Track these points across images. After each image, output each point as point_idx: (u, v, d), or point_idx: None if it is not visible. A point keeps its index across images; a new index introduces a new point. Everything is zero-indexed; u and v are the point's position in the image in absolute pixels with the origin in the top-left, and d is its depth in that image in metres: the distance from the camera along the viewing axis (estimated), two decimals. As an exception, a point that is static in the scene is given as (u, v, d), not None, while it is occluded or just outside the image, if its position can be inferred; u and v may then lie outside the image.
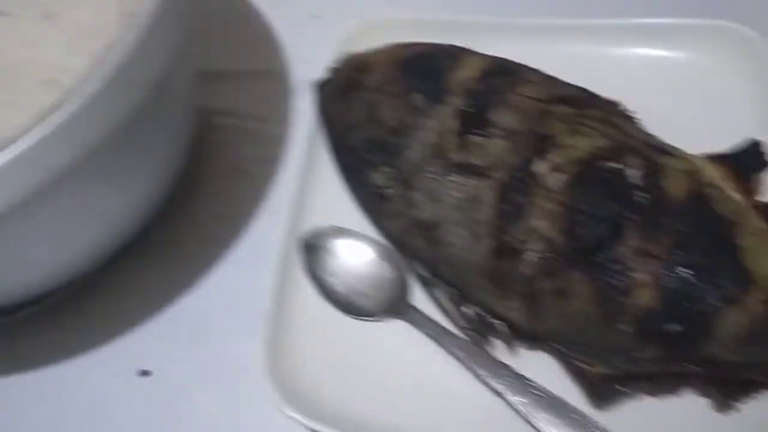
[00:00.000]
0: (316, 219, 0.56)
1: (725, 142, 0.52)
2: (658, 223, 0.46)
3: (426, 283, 0.53)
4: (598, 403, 0.47)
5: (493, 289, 0.49)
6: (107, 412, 0.53)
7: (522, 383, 0.48)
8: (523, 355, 0.50)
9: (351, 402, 0.49)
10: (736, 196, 0.49)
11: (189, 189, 0.62)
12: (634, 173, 0.47)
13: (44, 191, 0.42)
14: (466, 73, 0.52)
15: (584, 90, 0.54)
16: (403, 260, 0.54)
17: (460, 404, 0.49)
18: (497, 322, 0.50)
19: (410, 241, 0.52)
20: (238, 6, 0.73)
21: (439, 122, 0.51)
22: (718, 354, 0.45)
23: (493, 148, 0.49)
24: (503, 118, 0.50)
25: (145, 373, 0.54)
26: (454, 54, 0.55)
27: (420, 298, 0.53)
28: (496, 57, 0.55)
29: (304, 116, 0.61)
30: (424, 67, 0.54)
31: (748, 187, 0.49)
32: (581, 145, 0.49)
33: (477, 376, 0.49)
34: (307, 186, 0.57)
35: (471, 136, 0.50)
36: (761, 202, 0.49)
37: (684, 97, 0.59)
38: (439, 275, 0.52)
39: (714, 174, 0.49)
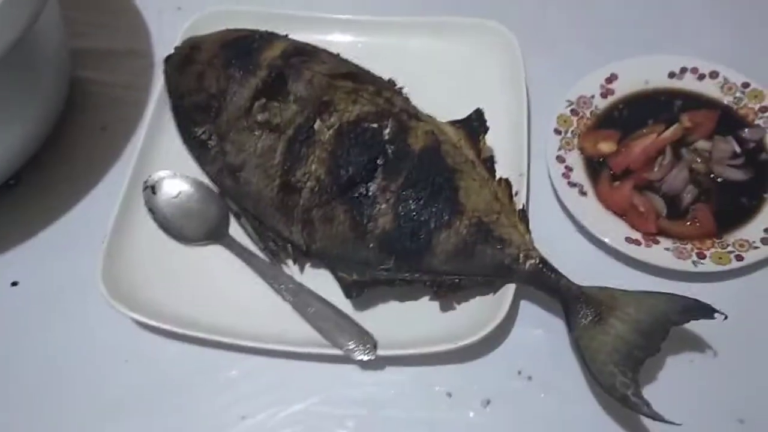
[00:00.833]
0: (159, 166, 0.68)
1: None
2: (398, 168, 0.59)
3: (236, 215, 0.66)
4: (353, 299, 0.60)
5: (282, 218, 0.62)
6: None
7: (300, 288, 0.61)
8: (305, 268, 0.64)
9: (175, 304, 0.61)
10: (468, 151, 0.63)
11: (62, 141, 0.73)
12: (387, 132, 0.61)
13: None
14: (272, 53, 0.65)
15: (365, 70, 0.68)
16: (220, 197, 0.66)
17: (259, 305, 0.62)
18: (287, 244, 0.63)
19: (223, 181, 0.65)
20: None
21: (248, 90, 0.63)
22: (436, 265, 0.59)
23: (287, 111, 0.62)
24: (297, 88, 0.63)
25: (14, 283, 0.66)
26: (266, 38, 0.67)
27: (233, 227, 0.66)
28: (297, 41, 0.68)
29: (158, 85, 0.73)
30: (240, 47, 0.66)
31: (476, 146, 0.63)
32: (353, 110, 0.62)
33: (271, 285, 0.62)
34: (153, 140, 0.69)
35: (271, 101, 0.63)
36: (486, 157, 0.63)
37: (447, 78, 0.72)
38: (245, 208, 0.64)
39: (453, 135, 0.63)
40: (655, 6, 0.80)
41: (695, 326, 0.57)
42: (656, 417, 0.50)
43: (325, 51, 0.68)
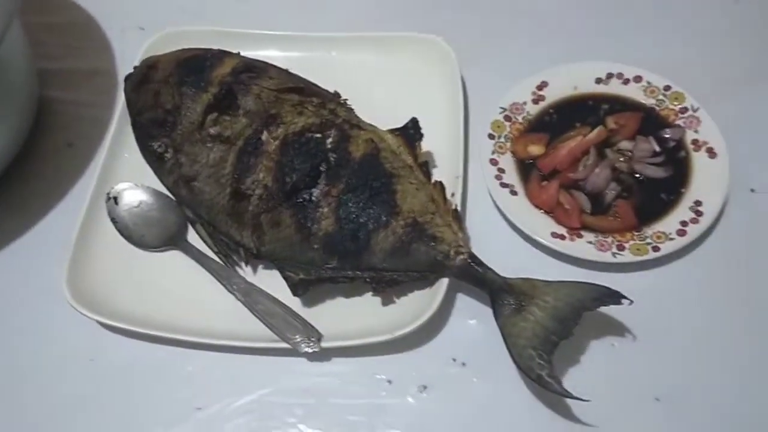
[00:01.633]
0: (121, 178, 0.72)
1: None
2: (339, 174, 0.63)
3: (191, 222, 0.70)
4: (300, 296, 0.64)
5: (233, 224, 0.66)
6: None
7: (251, 288, 0.66)
8: (257, 269, 0.68)
9: (136, 306, 0.66)
10: (406, 157, 0.67)
11: (31, 157, 0.77)
12: (329, 141, 0.65)
13: None
14: (223, 70, 0.69)
15: (312, 83, 0.72)
16: (178, 206, 0.70)
17: (214, 305, 0.66)
18: (238, 247, 0.67)
19: (179, 191, 0.69)
20: (80, 19, 0.89)
21: (201, 105, 0.68)
22: (376, 263, 0.63)
23: (237, 124, 0.66)
24: (246, 102, 0.67)
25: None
26: (217, 56, 0.71)
27: (190, 233, 0.70)
28: (247, 58, 0.72)
29: (120, 103, 0.77)
30: (194, 66, 0.70)
31: (414, 151, 0.67)
32: (299, 121, 0.66)
33: (225, 285, 0.66)
34: (115, 154, 0.73)
35: (223, 115, 0.67)
36: (422, 162, 0.67)
37: (389, 89, 0.77)
38: (199, 215, 0.68)
39: (392, 142, 0.67)
40: (582, 17, 0.85)
41: (617, 314, 0.62)
42: (566, 394, 0.55)
43: (274, 66, 0.73)
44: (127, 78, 0.75)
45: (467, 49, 0.78)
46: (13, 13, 0.65)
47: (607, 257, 0.65)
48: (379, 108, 0.71)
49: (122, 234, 0.70)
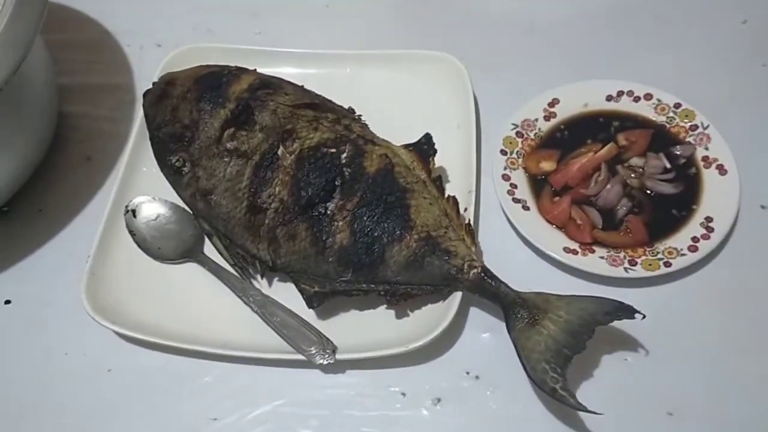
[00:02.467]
0: (139, 191, 0.73)
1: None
2: (354, 188, 0.64)
3: (208, 235, 0.70)
4: (315, 309, 0.64)
5: (249, 237, 0.66)
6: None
7: (267, 300, 0.66)
8: (272, 282, 0.69)
9: (153, 317, 0.66)
10: (420, 172, 0.67)
11: (50, 170, 0.78)
12: (344, 156, 0.66)
13: None
14: (240, 87, 0.70)
15: (326, 99, 0.73)
16: (194, 219, 0.71)
17: (230, 316, 0.66)
18: (254, 260, 0.67)
19: (196, 204, 0.69)
20: (100, 36, 0.90)
21: (218, 121, 0.68)
22: (390, 276, 0.63)
23: (253, 139, 0.67)
24: (262, 118, 0.68)
25: (7, 302, 0.71)
26: (234, 73, 0.72)
27: (207, 246, 0.71)
28: (263, 75, 0.73)
29: (138, 118, 0.78)
30: (211, 82, 0.71)
31: (427, 167, 0.68)
32: (314, 136, 0.67)
33: (241, 297, 0.67)
34: (133, 168, 0.74)
35: (239, 130, 0.68)
36: (435, 177, 0.68)
37: (403, 106, 0.77)
38: (216, 228, 0.69)
39: (406, 157, 0.68)
40: (593, 35, 0.86)
41: (629, 328, 0.62)
42: (580, 408, 0.55)
43: (289, 83, 0.73)
44: (146, 93, 0.75)
45: (479, 66, 0.79)
46: (36, 31, 0.66)
47: (619, 272, 0.65)
48: (392, 124, 0.72)
49: (140, 246, 0.70)
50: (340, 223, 0.64)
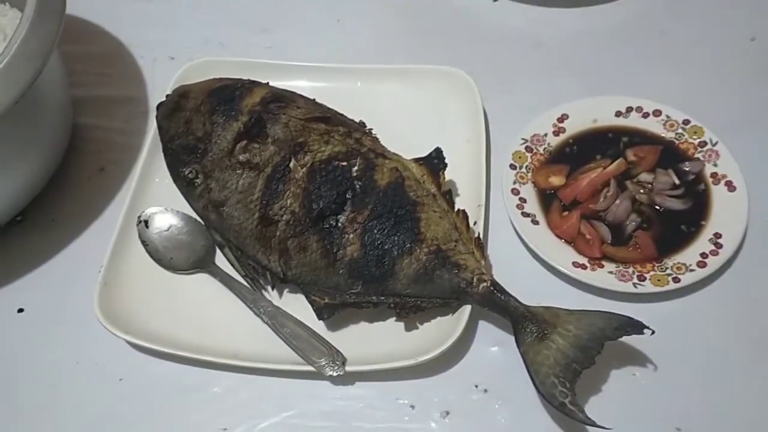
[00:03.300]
0: (151, 202, 0.73)
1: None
2: (365, 201, 0.65)
3: (220, 246, 0.71)
4: (325, 320, 0.65)
5: (261, 248, 0.67)
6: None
7: (277, 311, 0.66)
8: (283, 293, 0.69)
9: (165, 327, 0.66)
10: (430, 186, 0.68)
11: (64, 181, 0.79)
12: (355, 169, 0.66)
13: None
14: (252, 100, 0.70)
15: (338, 113, 0.73)
16: (206, 230, 0.71)
17: (240, 327, 0.67)
18: (265, 271, 0.68)
19: (208, 215, 0.70)
20: (114, 48, 0.91)
21: (231, 133, 0.69)
22: (400, 289, 0.64)
23: (266, 151, 0.68)
24: (275, 131, 0.68)
25: (20, 310, 0.71)
26: (247, 86, 0.72)
27: (218, 257, 0.71)
28: (276, 88, 0.74)
29: (151, 130, 0.79)
30: (224, 95, 0.71)
31: (437, 180, 0.68)
32: (326, 150, 0.67)
33: (252, 308, 0.67)
34: (146, 179, 0.75)
35: (252, 143, 0.68)
36: (445, 191, 0.68)
37: (413, 120, 0.78)
38: (227, 239, 0.69)
39: (416, 171, 0.69)
40: (602, 51, 0.86)
41: (638, 344, 0.62)
42: (589, 422, 0.55)
43: (301, 96, 0.74)
44: (159, 106, 0.76)
45: (489, 81, 0.80)
46: (54, 45, 0.67)
47: (628, 287, 0.65)
48: (403, 137, 0.72)
49: (152, 257, 0.71)
50: (351, 236, 0.64)
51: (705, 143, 0.74)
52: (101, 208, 0.77)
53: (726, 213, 0.69)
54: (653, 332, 0.58)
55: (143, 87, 0.87)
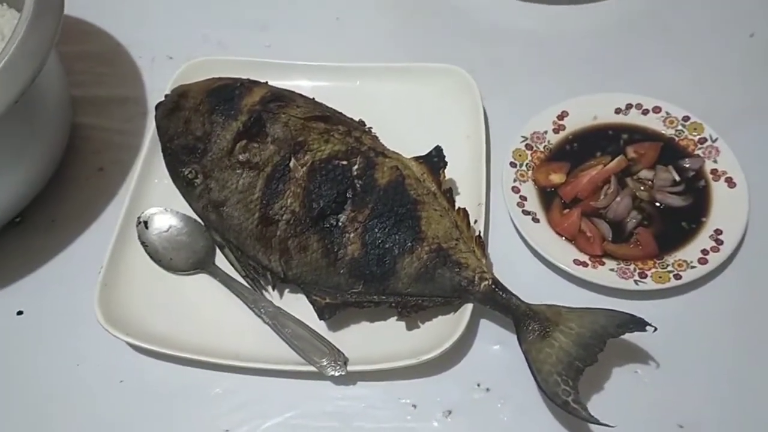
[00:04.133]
0: (151, 203, 0.73)
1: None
2: (365, 200, 0.64)
3: (220, 246, 0.70)
4: (326, 320, 0.64)
5: (261, 248, 0.66)
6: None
7: (278, 311, 0.66)
8: (283, 293, 0.69)
9: (165, 328, 0.66)
10: (430, 184, 0.68)
11: (63, 182, 0.78)
12: (355, 168, 0.66)
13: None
14: (252, 99, 0.70)
15: (337, 112, 0.73)
16: (206, 230, 0.71)
17: (241, 328, 0.66)
18: (266, 271, 0.67)
19: (208, 216, 0.69)
20: (112, 48, 0.91)
21: (231, 133, 0.69)
22: (401, 288, 0.63)
23: (265, 151, 0.67)
24: (274, 130, 0.68)
25: (20, 312, 0.71)
26: (246, 85, 0.72)
27: (218, 257, 0.71)
28: (275, 87, 0.73)
29: (150, 130, 0.78)
30: (223, 94, 0.71)
31: (438, 179, 0.68)
32: (326, 149, 0.67)
33: (252, 309, 0.67)
34: (145, 179, 0.74)
35: (251, 142, 0.68)
36: (445, 189, 0.68)
37: (413, 118, 0.78)
38: (228, 240, 0.69)
39: (416, 169, 0.68)
40: (601, 48, 0.86)
41: (640, 340, 0.62)
42: (592, 420, 0.55)
43: (301, 95, 0.74)
44: (158, 106, 0.76)
45: (488, 79, 0.80)
46: (52, 45, 0.66)
47: (629, 285, 0.65)
48: (402, 136, 0.72)
49: (152, 257, 0.71)
50: (352, 235, 0.64)
51: (705, 140, 0.74)
52: (100, 209, 0.77)
53: (726, 209, 0.69)
54: (656, 329, 0.58)
55: (142, 87, 0.87)
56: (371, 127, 0.73)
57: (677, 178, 0.72)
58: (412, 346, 0.63)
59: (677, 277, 0.65)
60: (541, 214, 0.70)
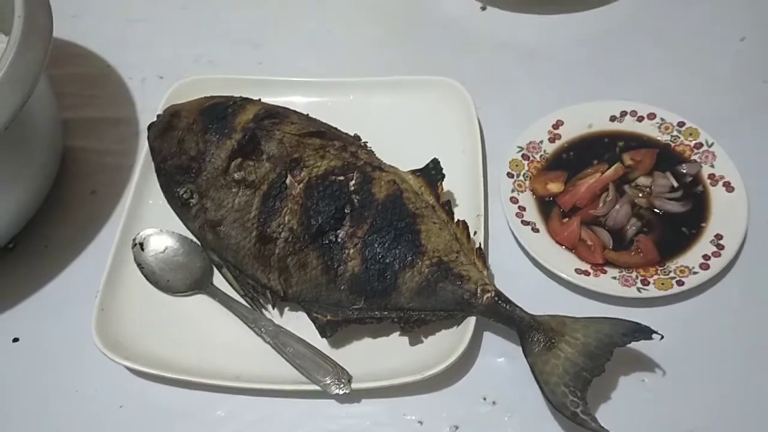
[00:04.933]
0: (146, 224, 0.72)
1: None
2: (364, 215, 0.64)
3: (218, 266, 0.69)
4: (328, 338, 0.64)
5: (260, 267, 0.66)
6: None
7: (279, 330, 0.65)
8: (284, 311, 0.68)
9: (165, 351, 0.65)
10: (428, 197, 0.67)
11: (55, 206, 0.77)
12: (352, 183, 0.65)
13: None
14: (245, 117, 0.70)
15: (332, 127, 0.73)
16: (203, 250, 0.70)
17: (242, 348, 0.65)
18: (265, 290, 0.67)
19: (205, 235, 0.69)
20: (101, 70, 0.90)
21: (225, 151, 0.68)
22: (403, 302, 0.63)
23: (261, 168, 0.67)
24: (269, 147, 0.67)
25: (15, 340, 0.70)
26: (239, 103, 0.72)
27: (216, 277, 0.70)
28: (268, 104, 0.73)
29: (143, 151, 0.78)
30: (216, 113, 0.70)
31: (435, 191, 0.68)
32: (322, 164, 0.66)
33: (253, 329, 0.66)
34: (139, 200, 0.74)
35: (247, 160, 0.67)
36: (444, 201, 0.67)
37: (408, 131, 0.77)
38: (225, 259, 0.68)
39: (414, 183, 0.68)
40: (593, 57, 0.86)
41: (645, 348, 0.62)
42: (602, 431, 0.54)
43: (294, 112, 0.73)
44: (151, 126, 0.75)
45: (482, 90, 0.80)
46: (42, 69, 0.66)
47: (632, 292, 0.64)
48: (398, 150, 0.72)
49: (149, 279, 0.70)
50: (351, 251, 0.63)
51: (701, 145, 0.74)
52: (95, 232, 0.76)
53: (726, 214, 0.69)
54: (662, 337, 0.57)
55: (133, 107, 0.86)
56: (366, 142, 0.72)
57: (675, 183, 0.71)
58: (416, 361, 0.62)
59: (680, 283, 0.65)
60: (540, 224, 0.70)
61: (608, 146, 0.75)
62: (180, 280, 0.70)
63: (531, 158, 0.74)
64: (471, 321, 0.62)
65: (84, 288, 0.70)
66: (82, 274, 0.73)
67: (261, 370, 0.63)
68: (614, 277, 0.66)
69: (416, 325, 0.63)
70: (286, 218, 0.65)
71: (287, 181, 0.66)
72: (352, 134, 0.73)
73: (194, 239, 0.71)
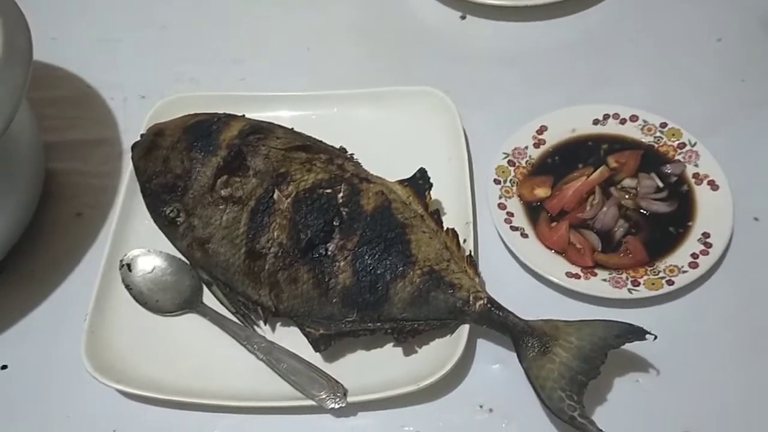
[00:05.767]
0: (133, 245, 0.72)
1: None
2: (353, 227, 0.63)
3: (207, 284, 0.69)
4: (321, 352, 0.63)
5: (250, 283, 0.65)
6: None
7: (272, 346, 0.65)
8: (276, 327, 0.67)
9: (156, 372, 0.64)
10: (417, 207, 0.67)
11: (40, 229, 0.76)
12: (340, 195, 0.65)
13: None
14: (230, 133, 0.69)
15: (318, 140, 0.72)
16: (192, 269, 0.70)
17: (235, 366, 0.65)
18: (256, 306, 0.66)
19: (193, 254, 0.68)
20: (82, 91, 0.89)
21: (211, 168, 0.68)
22: (396, 313, 0.62)
23: (248, 184, 0.66)
24: (255, 163, 0.67)
25: (4, 367, 0.69)
26: (223, 120, 0.71)
27: (206, 296, 0.69)
28: (253, 120, 0.72)
29: (127, 171, 0.77)
30: (201, 130, 0.70)
31: (424, 201, 0.68)
32: (309, 178, 0.66)
33: (245, 346, 0.65)
34: (125, 221, 0.73)
35: (233, 177, 0.67)
36: (432, 210, 0.67)
37: (393, 142, 0.77)
38: (215, 277, 0.68)
39: (401, 193, 0.68)
40: (574, 61, 0.87)
41: (638, 349, 0.62)
42: None
43: (279, 126, 0.73)
44: (134, 146, 0.75)
45: (465, 98, 0.80)
46: (22, 94, 0.65)
47: (623, 294, 0.64)
48: (384, 161, 0.71)
49: (137, 300, 0.69)
50: (342, 264, 0.63)
51: (684, 144, 0.74)
52: (81, 255, 0.75)
53: (711, 212, 0.70)
54: (655, 337, 0.57)
55: (115, 128, 0.86)
56: (353, 154, 0.72)
57: (660, 184, 0.72)
58: (411, 371, 0.62)
59: (670, 282, 0.65)
60: (529, 229, 0.70)
61: (592, 149, 0.76)
62: (169, 299, 0.69)
63: (517, 164, 0.74)
64: (464, 329, 0.62)
65: (72, 311, 0.69)
66: (70, 297, 0.72)
67: (255, 388, 0.63)
68: (605, 279, 0.66)
69: (410, 335, 0.63)
70: (275, 233, 0.64)
71: (275, 196, 0.65)
72: (337, 147, 0.73)
73: (182, 258, 0.70)
